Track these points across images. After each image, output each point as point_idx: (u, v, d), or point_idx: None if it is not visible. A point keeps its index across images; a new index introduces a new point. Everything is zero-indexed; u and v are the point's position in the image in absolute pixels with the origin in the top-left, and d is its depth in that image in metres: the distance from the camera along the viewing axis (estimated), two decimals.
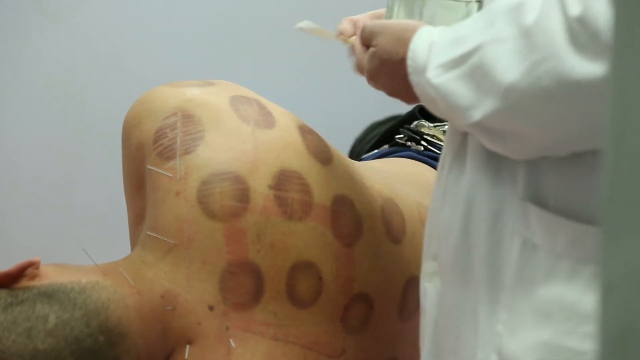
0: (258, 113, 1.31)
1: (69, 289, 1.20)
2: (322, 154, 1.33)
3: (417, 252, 1.38)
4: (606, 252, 0.54)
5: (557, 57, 0.88)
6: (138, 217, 1.32)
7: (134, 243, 1.34)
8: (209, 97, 1.30)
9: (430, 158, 1.68)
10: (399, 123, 1.84)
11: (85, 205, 2.23)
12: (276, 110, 1.34)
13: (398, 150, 1.78)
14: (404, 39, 1.03)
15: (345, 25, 1.23)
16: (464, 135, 1.06)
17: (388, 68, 1.06)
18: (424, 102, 1.04)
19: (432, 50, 1.00)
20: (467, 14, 1.09)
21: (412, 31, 1.03)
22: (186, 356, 1.23)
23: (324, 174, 1.31)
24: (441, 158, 1.13)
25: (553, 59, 0.88)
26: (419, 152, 1.75)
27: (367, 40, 1.09)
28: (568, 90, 0.88)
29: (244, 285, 1.24)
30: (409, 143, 1.79)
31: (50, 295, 1.19)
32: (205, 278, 1.23)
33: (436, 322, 1.10)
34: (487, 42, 0.94)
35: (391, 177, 1.48)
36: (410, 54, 1.01)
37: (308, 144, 1.31)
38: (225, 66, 2.31)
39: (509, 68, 0.92)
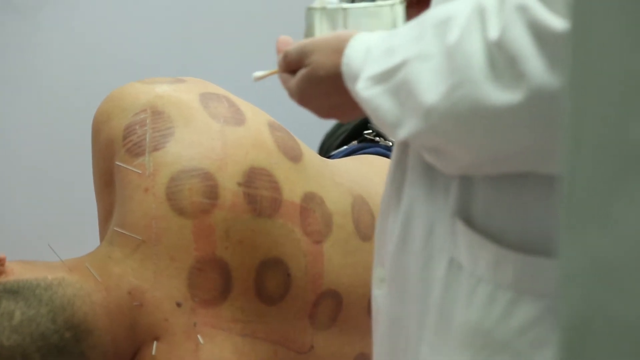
0: (228, 110, 1.31)
1: (35, 286, 1.19)
2: (292, 152, 1.33)
3: None
4: (565, 243, 0.55)
5: (474, 82, 0.84)
6: (107, 213, 1.32)
7: (103, 239, 1.34)
8: (179, 94, 1.30)
9: None
10: (367, 118, 1.84)
11: (52, 201, 2.22)
12: (246, 107, 1.34)
13: (367, 146, 1.78)
14: (341, 49, 0.97)
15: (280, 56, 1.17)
16: (405, 145, 1.03)
17: (326, 84, 0.99)
18: (364, 109, 0.98)
19: (367, 57, 0.95)
20: (394, 18, 1.05)
21: (346, 40, 0.98)
22: (153, 352, 1.23)
23: (294, 172, 1.31)
24: (389, 168, 1.09)
25: (469, 85, 0.84)
26: (387, 147, 1.75)
27: (295, 64, 1.02)
28: (484, 117, 0.85)
29: (212, 281, 1.24)
30: (377, 138, 1.80)
31: (15, 291, 1.18)
32: (173, 275, 1.23)
33: (384, 331, 1.05)
34: (413, 58, 0.89)
35: (361, 174, 1.49)
36: (344, 60, 0.96)
37: (278, 141, 1.32)
38: (198, 62, 2.30)
39: (430, 89, 0.87)
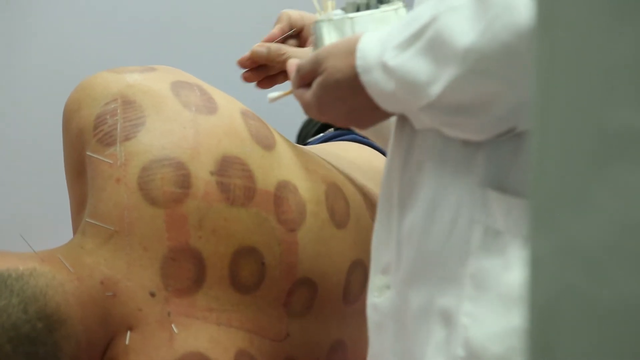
0: (200, 99, 1.30)
1: (6, 276, 1.19)
2: (265, 140, 1.32)
3: (362, 237, 1.39)
4: (534, 227, 0.55)
5: (512, 8, 0.86)
6: (79, 204, 1.31)
7: (76, 230, 1.34)
8: (150, 82, 1.29)
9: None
10: None
11: (24, 191, 2.21)
12: (218, 95, 1.33)
13: (343, 133, 1.78)
14: (352, 51, 0.99)
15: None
16: (410, 137, 1.04)
17: (343, 87, 1.01)
18: (380, 102, 1.00)
19: (384, 43, 0.97)
20: (400, 19, 1.07)
21: (357, 40, 1.00)
22: (127, 342, 1.22)
23: (267, 160, 1.31)
24: (385, 168, 1.09)
25: (508, 12, 0.86)
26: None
27: (310, 75, 1.04)
28: (528, 41, 0.86)
29: (186, 271, 1.24)
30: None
31: None
32: (146, 265, 1.23)
33: (397, 334, 1.07)
34: (442, 12, 0.91)
35: (335, 161, 1.49)
36: (358, 54, 0.98)
37: (251, 129, 1.31)
38: (173, 52, 2.29)
39: (465, 32, 0.89)
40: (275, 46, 1.38)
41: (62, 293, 1.20)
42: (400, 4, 1.09)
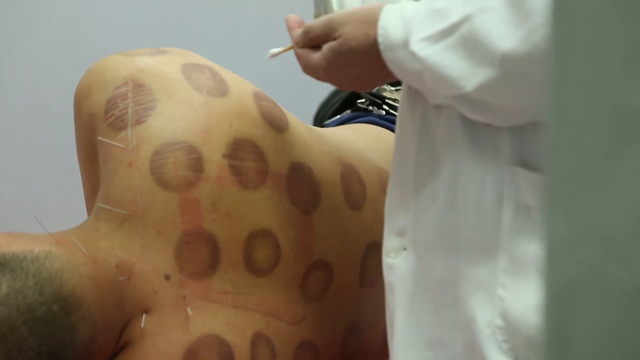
0: (211, 81, 1.30)
1: (22, 258, 1.18)
2: (278, 121, 1.32)
3: (378, 218, 1.38)
4: (551, 207, 0.54)
5: None
6: (93, 187, 1.31)
7: (90, 213, 1.33)
8: (160, 66, 1.28)
9: (392, 122, 1.68)
10: None
11: (38, 174, 2.22)
12: (230, 77, 1.33)
13: (360, 115, 1.78)
14: (372, 20, 1.02)
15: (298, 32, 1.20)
16: (423, 113, 1.07)
17: (357, 55, 1.04)
18: (402, 78, 1.04)
19: (410, 24, 0.99)
20: None
21: (376, 11, 1.03)
22: (142, 325, 1.22)
23: (280, 142, 1.30)
24: (397, 140, 1.13)
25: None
26: (380, 116, 1.75)
27: (321, 38, 1.07)
28: None
29: (200, 254, 1.23)
30: (370, 107, 1.79)
31: (1, 264, 1.17)
32: (160, 248, 1.23)
33: (412, 296, 1.10)
34: (476, 12, 0.94)
35: (352, 143, 1.48)
36: (380, 31, 1.01)
37: (263, 111, 1.31)
38: (185, 32, 2.29)
39: (503, 36, 0.92)
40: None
41: (78, 276, 1.20)
42: None
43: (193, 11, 2.31)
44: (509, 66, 0.92)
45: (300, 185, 1.30)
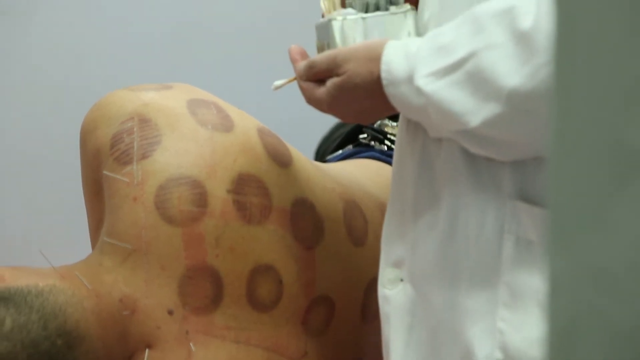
0: (216, 116, 1.30)
1: (26, 292, 1.19)
2: (281, 157, 1.32)
3: (380, 254, 1.38)
4: (553, 245, 0.55)
5: None
6: (97, 221, 1.31)
7: (94, 247, 1.34)
8: (166, 101, 1.29)
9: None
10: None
11: (43, 207, 2.22)
12: (235, 112, 1.33)
13: (362, 150, 1.78)
14: (375, 57, 1.04)
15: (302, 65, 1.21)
16: (423, 145, 1.08)
17: (361, 91, 1.06)
18: (403, 112, 1.06)
19: (414, 60, 1.00)
20: (407, 24, 1.11)
21: (379, 47, 1.04)
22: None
23: (283, 177, 1.31)
24: (395, 170, 1.13)
25: None
26: (382, 152, 1.75)
27: (325, 73, 1.08)
28: None
29: (203, 289, 1.23)
30: (372, 143, 1.80)
31: (6, 298, 1.18)
32: (164, 283, 1.23)
33: (409, 327, 1.11)
34: (482, 49, 0.95)
35: (354, 179, 1.48)
36: (384, 67, 1.02)
37: (267, 146, 1.31)
38: (190, 64, 2.30)
39: (510, 72, 0.93)
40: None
41: (82, 310, 1.20)
42: (408, 7, 1.12)
43: (197, 44, 2.32)
44: (515, 102, 0.93)
45: (303, 220, 1.31)
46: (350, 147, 1.84)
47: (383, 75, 1.02)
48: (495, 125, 0.96)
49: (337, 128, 2.11)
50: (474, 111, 0.96)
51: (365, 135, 1.81)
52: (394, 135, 1.77)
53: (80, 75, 2.21)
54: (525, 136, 0.97)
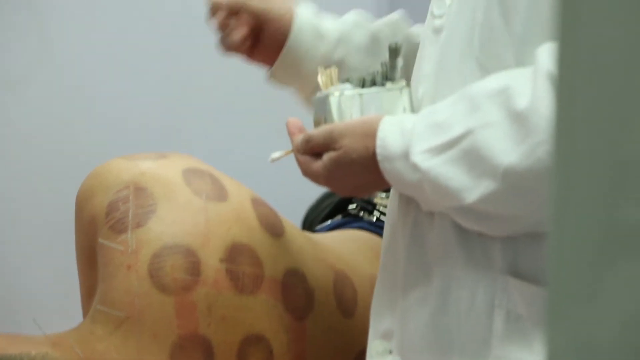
0: (211, 186, 1.31)
1: None
2: (274, 227, 1.33)
3: (369, 326, 1.39)
4: (551, 323, 0.55)
5: None
6: (90, 289, 1.31)
7: (86, 314, 1.34)
8: (161, 170, 1.30)
9: (382, 229, 1.69)
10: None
11: (36, 276, 2.21)
12: (229, 183, 1.35)
13: (351, 221, 1.79)
14: (371, 133, 1.06)
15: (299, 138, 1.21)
16: (415, 218, 1.09)
17: (357, 166, 1.07)
18: (397, 187, 1.08)
19: (410, 137, 1.02)
20: (402, 100, 1.13)
21: (375, 123, 1.06)
22: None
23: (276, 247, 1.31)
24: (386, 242, 1.15)
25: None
26: (371, 223, 1.76)
27: (322, 148, 1.10)
28: None
29: (194, 358, 1.23)
30: (361, 213, 1.80)
31: None
32: (155, 351, 1.23)
33: None
34: (478, 127, 0.97)
35: (344, 249, 1.49)
36: (379, 142, 1.04)
37: (260, 217, 1.32)
38: (182, 132, 2.31)
39: (505, 150, 0.95)
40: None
41: None
42: (404, 83, 1.14)
43: (193, 113, 2.34)
44: (510, 180, 0.95)
45: (295, 291, 1.31)
46: (339, 217, 1.84)
47: (378, 150, 1.04)
48: (491, 202, 0.97)
49: (325, 198, 2.12)
50: (470, 188, 0.98)
51: (354, 206, 1.82)
52: (383, 206, 1.78)
53: (72, 142, 2.22)
54: (519, 212, 0.98)
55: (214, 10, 1.30)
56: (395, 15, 1.36)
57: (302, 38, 1.30)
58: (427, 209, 1.07)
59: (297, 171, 1.16)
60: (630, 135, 0.52)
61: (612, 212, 0.53)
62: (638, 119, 0.52)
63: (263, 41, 1.32)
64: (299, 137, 1.12)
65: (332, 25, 1.33)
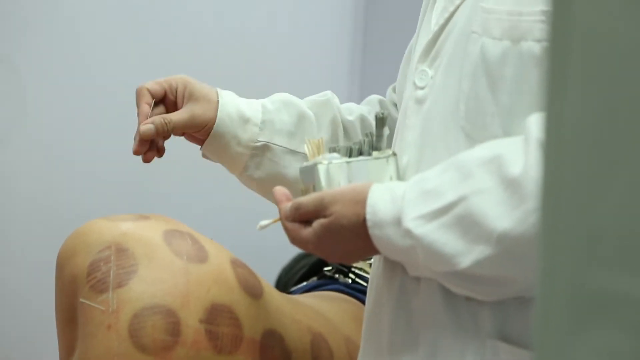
0: (191, 247, 1.33)
1: None
2: (253, 288, 1.34)
3: None
4: None
5: None
6: (69, 349, 1.31)
7: None
8: (142, 231, 1.31)
9: (358, 291, 1.70)
10: None
11: (12, 337, 2.20)
12: (209, 244, 1.36)
13: (327, 282, 1.79)
14: (361, 200, 1.06)
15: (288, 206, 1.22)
16: (401, 284, 1.10)
17: (347, 232, 1.08)
18: (386, 253, 1.07)
19: (401, 203, 1.03)
20: (389, 168, 1.14)
21: (364, 191, 1.07)
22: None
23: (255, 308, 1.32)
24: (370, 308, 1.15)
25: None
26: (347, 285, 1.77)
27: (312, 215, 1.10)
28: None
29: None
30: (337, 275, 1.81)
31: None
32: None
33: None
34: (471, 193, 0.98)
35: (321, 311, 1.50)
36: (369, 209, 1.05)
37: (239, 278, 1.33)
38: (161, 188, 2.31)
39: (500, 216, 0.96)
40: (157, 119, 1.34)
41: None
42: (390, 152, 1.16)
43: (173, 173, 2.34)
44: (504, 245, 0.96)
45: (272, 352, 1.32)
46: (314, 279, 1.85)
47: (368, 217, 1.05)
48: (485, 267, 0.99)
49: (299, 259, 2.12)
50: (465, 253, 0.99)
51: (329, 268, 1.83)
52: (358, 268, 1.79)
53: (52, 196, 2.22)
54: (511, 277, 0.99)
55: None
56: (328, 94, 1.40)
57: (227, 124, 1.33)
58: (415, 274, 1.08)
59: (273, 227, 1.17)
60: (602, 208, 0.54)
61: (582, 277, 0.54)
62: (610, 192, 0.54)
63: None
64: (288, 205, 1.13)
65: (257, 107, 1.36)
